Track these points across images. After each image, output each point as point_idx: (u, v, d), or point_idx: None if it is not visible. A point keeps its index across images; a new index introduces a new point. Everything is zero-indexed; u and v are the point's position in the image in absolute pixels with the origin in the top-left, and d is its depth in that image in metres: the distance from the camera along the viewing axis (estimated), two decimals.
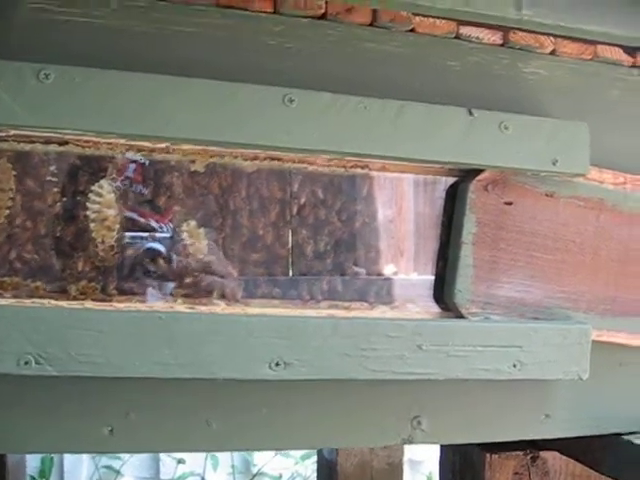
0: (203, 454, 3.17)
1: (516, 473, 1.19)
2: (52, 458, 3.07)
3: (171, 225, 0.90)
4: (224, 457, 3.20)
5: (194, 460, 3.17)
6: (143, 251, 0.89)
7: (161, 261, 0.89)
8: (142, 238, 0.89)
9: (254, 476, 3.28)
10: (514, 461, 1.19)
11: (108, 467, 3.15)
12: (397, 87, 0.96)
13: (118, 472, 3.16)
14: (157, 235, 0.90)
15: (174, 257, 0.90)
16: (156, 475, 3.23)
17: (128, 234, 0.88)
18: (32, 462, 2.94)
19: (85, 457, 3.15)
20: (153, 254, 0.89)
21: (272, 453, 3.20)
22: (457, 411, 1.00)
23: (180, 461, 3.16)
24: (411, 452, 3.14)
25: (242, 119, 0.84)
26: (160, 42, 0.88)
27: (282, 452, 3.21)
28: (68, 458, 3.14)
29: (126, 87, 0.81)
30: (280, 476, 3.29)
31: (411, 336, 0.89)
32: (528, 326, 0.95)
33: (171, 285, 0.90)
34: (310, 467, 3.17)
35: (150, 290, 0.89)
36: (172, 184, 0.90)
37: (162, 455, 3.18)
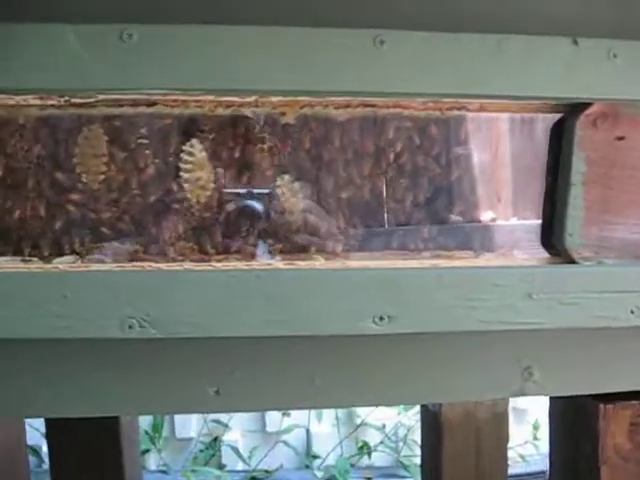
0: None
1: (632, 424, 1.13)
2: None
3: (265, 181, 0.88)
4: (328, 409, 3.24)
5: (299, 413, 3.22)
6: (238, 209, 0.87)
7: (257, 218, 0.88)
8: (236, 196, 0.87)
9: (358, 427, 3.32)
10: (630, 411, 1.13)
11: (217, 421, 3.25)
12: (493, 20, 0.89)
13: (226, 426, 3.26)
14: (251, 192, 0.88)
15: (270, 213, 0.88)
16: (262, 428, 3.31)
17: (222, 192, 0.87)
18: (145, 416, 3.06)
19: None
20: (248, 211, 0.88)
21: None
22: (570, 361, 0.95)
23: (285, 413, 3.23)
24: (514, 400, 3.09)
25: (331, 65, 0.81)
26: None
27: None
28: None
29: (210, 41, 0.79)
30: (383, 426, 3.30)
31: (520, 284, 0.85)
32: None
33: (268, 242, 0.88)
34: (413, 417, 3.17)
35: (247, 247, 0.88)
36: (263, 138, 0.88)
37: None
